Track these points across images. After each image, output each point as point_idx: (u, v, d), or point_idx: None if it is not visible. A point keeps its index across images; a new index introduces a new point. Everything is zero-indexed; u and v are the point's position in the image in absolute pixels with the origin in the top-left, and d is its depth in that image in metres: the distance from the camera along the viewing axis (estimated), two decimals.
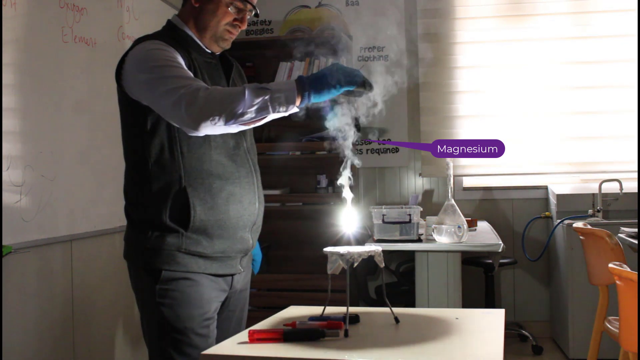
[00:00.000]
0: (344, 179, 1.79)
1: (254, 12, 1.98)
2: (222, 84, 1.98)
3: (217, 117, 1.66)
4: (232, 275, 1.97)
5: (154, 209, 1.84)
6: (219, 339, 1.95)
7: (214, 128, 1.69)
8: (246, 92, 1.67)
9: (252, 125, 1.75)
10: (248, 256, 2.04)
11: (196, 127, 1.69)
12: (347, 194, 1.79)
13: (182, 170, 1.85)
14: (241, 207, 1.92)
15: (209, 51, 1.98)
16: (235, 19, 1.94)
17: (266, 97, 1.67)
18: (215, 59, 2.01)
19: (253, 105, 1.67)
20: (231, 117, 1.67)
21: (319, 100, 1.72)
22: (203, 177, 1.86)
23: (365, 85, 1.71)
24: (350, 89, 1.70)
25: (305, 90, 1.69)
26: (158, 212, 1.84)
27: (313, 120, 1.84)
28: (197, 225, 1.85)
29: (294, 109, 1.72)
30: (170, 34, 1.93)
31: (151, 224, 1.85)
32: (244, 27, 1.97)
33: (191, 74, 1.80)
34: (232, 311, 2.03)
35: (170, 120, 1.78)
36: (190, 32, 1.95)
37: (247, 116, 1.68)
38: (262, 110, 1.68)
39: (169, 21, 2.01)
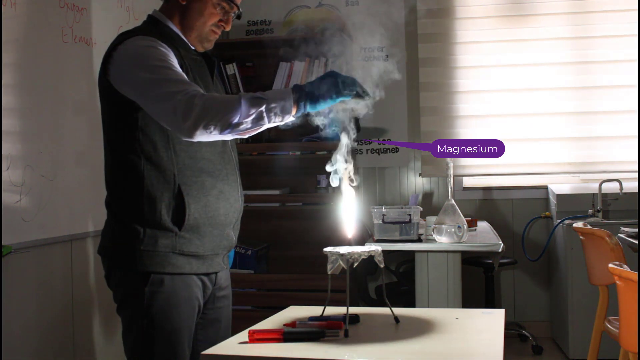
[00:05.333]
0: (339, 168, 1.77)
1: (237, 14, 1.98)
2: (208, 80, 1.98)
3: (212, 127, 1.67)
4: (216, 273, 1.98)
5: (147, 208, 1.82)
6: (211, 337, 1.96)
7: (208, 136, 1.70)
8: (242, 102, 1.67)
9: (247, 135, 1.75)
10: (227, 253, 2.05)
11: (191, 135, 1.69)
12: (345, 186, 1.79)
13: (176, 168, 1.84)
14: (228, 205, 1.93)
15: (193, 47, 1.98)
16: (220, 20, 1.94)
17: (262, 108, 1.67)
18: (200, 56, 2.00)
19: (249, 116, 1.67)
20: (227, 127, 1.67)
21: (315, 109, 1.72)
22: (196, 174, 1.86)
23: (361, 94, 1.71)
24: (347, 98, 1.70)
25: (301, 100, 1.69)
26: (152, 211, 1.82)
27: (313, 121, 1.84)
28: (191, 224, 1.85)
29: (289, 119, 1.72)
30: (155, 30, 1.91)
31: (144, 223, 1.83)
32: (228, 28, 1.98)
33: (185, 77, 1.79)
34: (219, 308, 2.03)
35: (164, 124, 1.77)
36: (175, 28, 1.94)
37: (243, 126, 1.68)
38: (258, 121, 1.68)
39: (150, 16, 1.98)
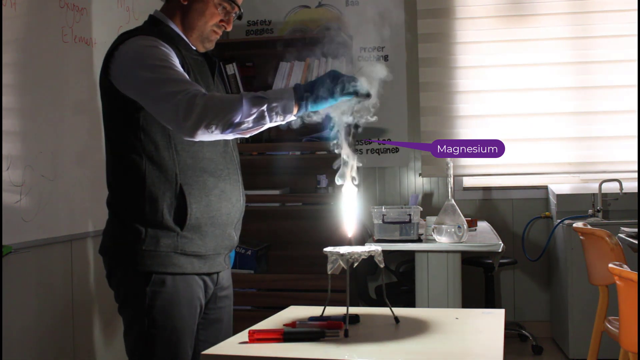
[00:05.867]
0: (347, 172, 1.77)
1: (238, 14, 1.98)
2: (209, 81, 1.99)
3: (213, 126, 1.67)
4: (217, 273, 1.98)
5: (149, 208, 1.83)
6: (212, 337, 1.97)
7: (210, 136, 1.70)
8: (243, 101, 1.67)
9: (249, 134, 1.74)
10: (229, 253, 2.05)
11: (192, 135, 1.69)
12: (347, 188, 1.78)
13: (178, 167, 1.84)
14: (230, 204, 1.93)
15: (194, 47, 1.98)
16: (221, 20, 1.95)
17: (263, 107, 1.67)
18: (201, 56, 2.01)
19: (250, 115, 1.67)
20: (228, 126, 1.67)
21: (317, 109, 1.72)
22: (197, 174, 1.86)
23: (362, 93, 1.70)
24: (348, 98, 1.70)
25: (303, 99, 1.69)
26: (154, 211, 1.83)
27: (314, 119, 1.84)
28: (193, 224, 1.85)
29: (291, 118, 1.72)
30: (157, 30, 1.91)
31: (145, 223, 1.83)
32: (229, 28, 1.98)
33: (187, 76, 1.79)
34: (220, 307, 2.03)
35: (165, 124, 1.77)
36: (176, 29, 1.94)
37: (244, 126, 1.68)
38: (259, 120, 1.69)
39: (151, 16, 1.98)
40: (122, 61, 1.81)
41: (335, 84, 1.68)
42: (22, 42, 2.57)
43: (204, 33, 1.95)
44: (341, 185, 1.77)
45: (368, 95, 1.71)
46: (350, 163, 1.76)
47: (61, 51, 2.80)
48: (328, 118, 1.79)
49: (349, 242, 1.76)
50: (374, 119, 1.77)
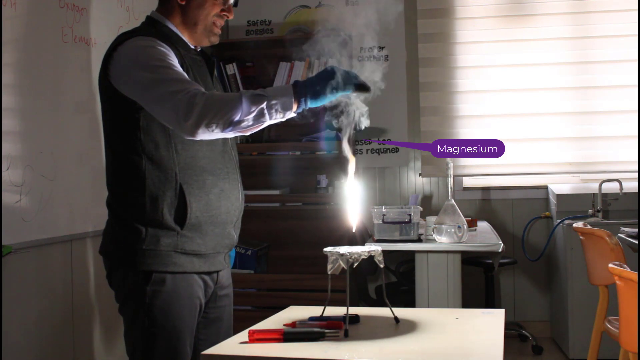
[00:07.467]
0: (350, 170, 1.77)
1: (233, 1, 1.99)
2: (207, 80, 1.99)
3: (213, 125, 1.67)
4: (217, 271, 1.98)
5: (149, 207, 1.83)
6: (212, 336, 1.97)
7: (210, 134, 1.70)
8: (243, 99, 1.67)
9: (249, 132, 1.75)
10: (228, 252, 2.06)
11: (193, 134, 1.69)
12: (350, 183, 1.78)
13: (177, 167, 1.84)
14: (229, 203, 1.94)
15: (193, 47, 1.98)
16: (222, 9, 1.96)
17: (262, 105, 1.68)
18: (200, 56, 2.01)
19: (250, 113, 1.68)
20: (228, 125, 1.68)
21: (316, 105, 1.72)
22: (197, 173, 1.87)
23: (362, 88, 1.71)
24: (347, 92, 1.70)
25: (302, 96, 1.69)
26: (154, 210, 1.83)
27: (313, 120, 1.84)
28: (193, 223, 1.85)
29: (291, 115, 1.73)
30: (155, 30, 1.92)
31: (146, 222, 1.83)
32: (231, 16, 1.98)
33: (186, 76, 1.79)
34: (220, 306, 2.03)
35: (166, 123, 1.78)
36: (174, 28, 1.95)
37: (244, 124, 1.69)
38: (259, 118, 1.69)
39: (149, 17, 1.99)
40: (121, 62, 1.82)
41: (333, 79, 1.68)
42: (22, 42, 2.57)
43: (208, 25, 1.95)
44: (343, 182, 1.78)
45: (367, 89, 1.71)
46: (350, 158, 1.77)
47: (61, 51, 2.80)
48: (327, 116, 1.79)
49: (353, 236, 1.76)
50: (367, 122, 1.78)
